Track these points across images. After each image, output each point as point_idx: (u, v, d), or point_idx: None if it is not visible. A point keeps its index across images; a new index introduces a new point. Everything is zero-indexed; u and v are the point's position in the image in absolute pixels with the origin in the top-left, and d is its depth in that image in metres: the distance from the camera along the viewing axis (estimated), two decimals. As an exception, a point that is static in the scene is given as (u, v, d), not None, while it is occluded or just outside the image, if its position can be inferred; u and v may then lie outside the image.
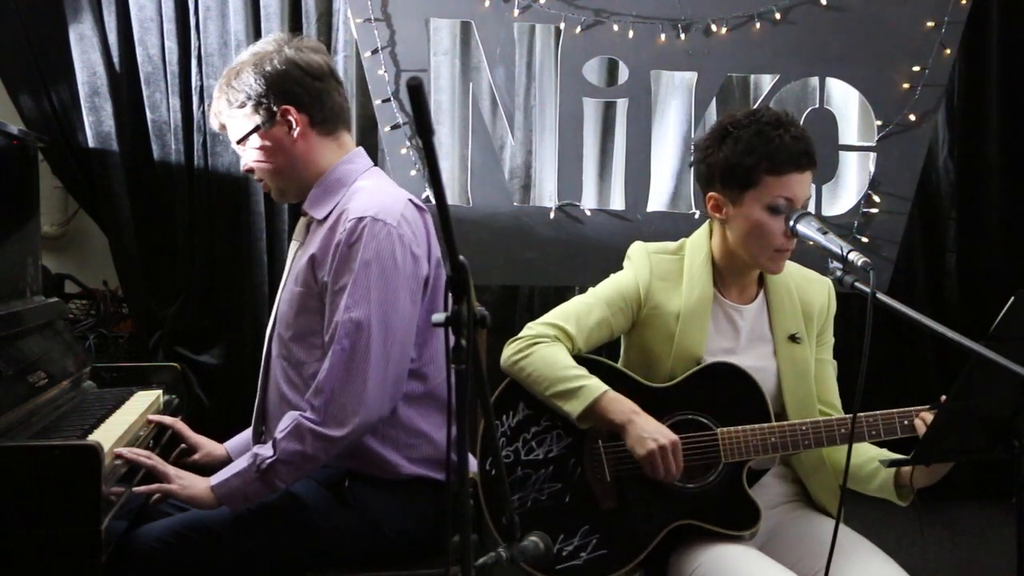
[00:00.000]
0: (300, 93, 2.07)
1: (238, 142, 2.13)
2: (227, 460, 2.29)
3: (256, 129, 2.09)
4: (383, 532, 2.06)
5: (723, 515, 2.07)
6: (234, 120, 2.11)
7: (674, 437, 2.00)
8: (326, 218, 2.09)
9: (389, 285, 1.98)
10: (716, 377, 2.09)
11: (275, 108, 2.07)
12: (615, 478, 2.10)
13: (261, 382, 2.18)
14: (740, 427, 2.06)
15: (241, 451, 2.29)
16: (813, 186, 3.10)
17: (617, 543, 2.08)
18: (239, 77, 2.08)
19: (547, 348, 2.09)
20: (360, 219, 1.99)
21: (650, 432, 2.00)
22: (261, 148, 2.10)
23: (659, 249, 2.21)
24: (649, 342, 2.15)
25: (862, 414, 2.03)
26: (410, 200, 2.10)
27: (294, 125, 2.08)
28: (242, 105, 2.08)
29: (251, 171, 2.16)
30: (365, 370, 1.95)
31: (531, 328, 2.14)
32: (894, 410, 2.02)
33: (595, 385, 2.04)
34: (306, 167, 2.12)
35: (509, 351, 2.13)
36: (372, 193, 2.07)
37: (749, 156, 2.04)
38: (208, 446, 2.32)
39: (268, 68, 2.06)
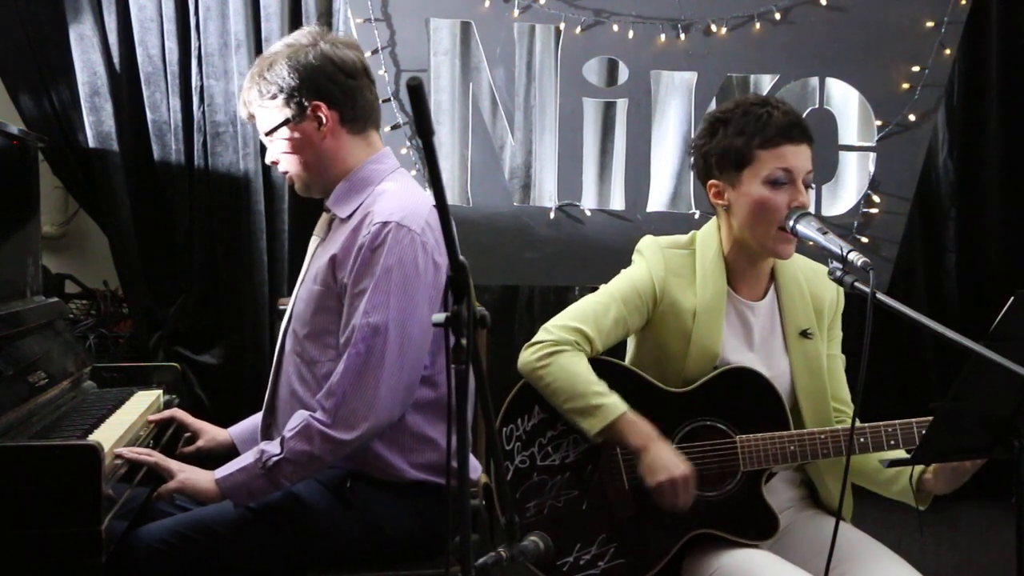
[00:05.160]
0: (333, 90, 2.06)
1: (266, 134, 2.12)
2: (231, 444, 2.30)
3: (286, 122, 2.07)
4: (384, 533, 2.06)
5: (741, 524, 2.05)
6: (264, 111, 2.10)
7: (686, 470, 1.98)
8: (349, 217, 2.08)
9: (409, 292, 1.97)
10: (735, 382, 2.08)
11: (306, 103, 2.05)
12: (633, 486, 2.08)
13: (272, 376, 2.17)
14: (759, 435, 2.04)
15: (245, 437, 2.29)
16: (813, 186, 3.14)
17: (635, 552, 2.07)
18: (272, 68, 2.06)
19: (568, 358, 2.05)
20: (385, 223, 1.98)
21: (664, 462, 1.98)
22: (289, 141, 2.09)
23: (671, 244, 2.18)
24: (664, 340, 2.13)
25: (880, 423, 2.03)
26: (435, 205, 2.08)
27: (324, 121, 2.07)
28: (273, 97, 2.07)
29: (276, 163, 2.15)
30: (379, 376, 1.95)
31: (549, 332, 2.10)
32: (912, 419, 2.01)
33: (615, 405, 2.01)
34: (333, 164, 2.11)
35: (528, 356, 2.09)
36: (398, 197, 2.06)
37: (740, 136, 2.05)
38: (211, 431, 2.33)
39: (303, 61, 2.05)
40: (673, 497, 1.99)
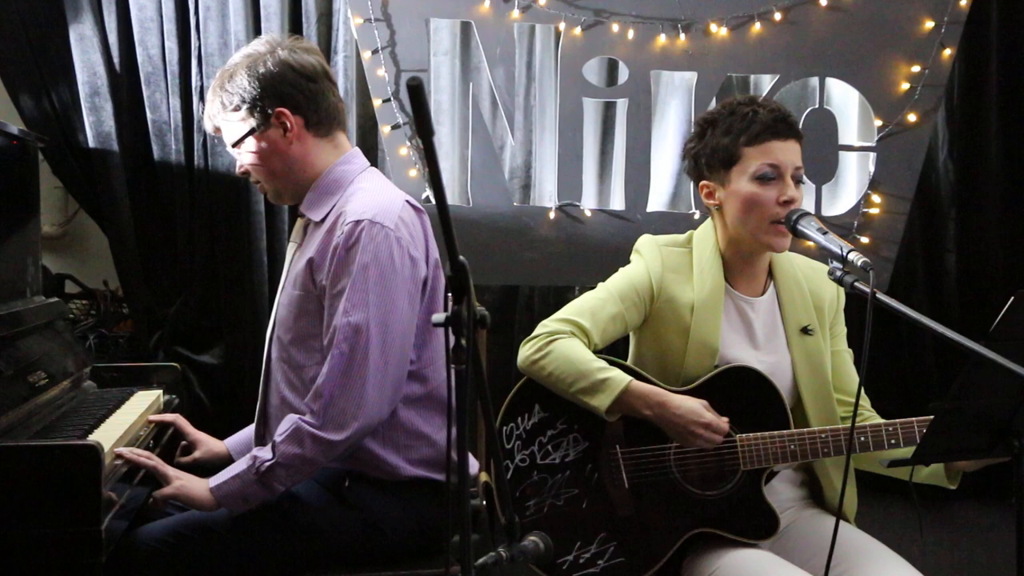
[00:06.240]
0: (294, 95, 2.07)
1: (233, 145, 2.12)
2: (227, 457, 2.29)
3: (251, 132, 2.08)
4: (383, 532, 2.06)
5: (741, 524, 2.06)
6: (229, 123, 2.10)
7: (703, 416, 1.99)
8: (323, 220, 2.08)
9: (387, 288, 1.97)
10: (736, 381, 2.08)
11: (270, 111, 2.06)
12: (633, 485, 2.09)
13: (262, 385, 2.18)
14: (760, 434, 2.05)
15: (241, 448, 2.29)
16: (813, 186, 3.14)
17: (634, 551, 2.07)
18: (233, 80, 2.07)
19: (565, 344, 2.06)
20: (358, 222, 1.98)
21: (684, 419, 2.00)
22: (256, 151, 2.09)
23: (669, 242, 2.20)
24: (663, 336, 2.14)
25: (882, 421, 2.05)
26: (407, 201, 2.10)
27: (289, 127, 2.07)
28: (236, 108, 2.07)
29: (247, 173, 2.15)
30: (364, 374, 1.95)
31: (545, 326, 2.11)
32: (913, 419, 2.02)
33: (619, 377, 2.02)
34: (302, 169, 2.11)
35: (526, 351, 2.10)
36: (369, 195, 2.06)
37: (727, 136, 2.08)
38: (208, 443, 2.33)
39: (262, 70, 2.05)
40: (715, 436, 2.00)
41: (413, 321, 2.03)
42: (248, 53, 2.10)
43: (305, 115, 2.08)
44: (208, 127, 2.18)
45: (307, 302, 2.06)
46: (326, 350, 1.99)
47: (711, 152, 2.10)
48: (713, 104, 3.10)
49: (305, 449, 1.95)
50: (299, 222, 2.21)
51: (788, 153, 2.06)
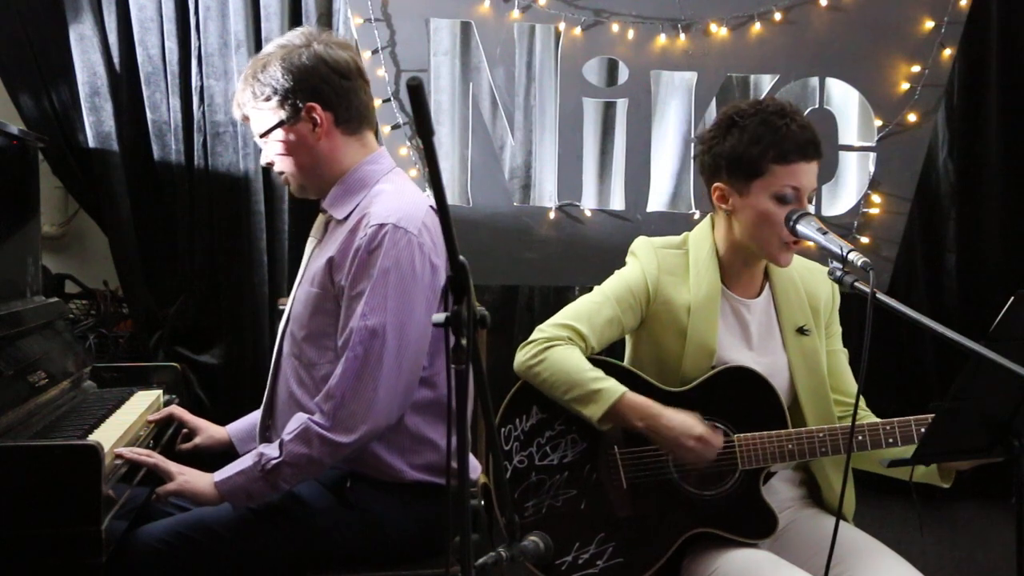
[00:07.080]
0: (327, 91, 2.05)
1: (261, 136, 2.11)
2: (228, 443, 2.29)
3: (280, 124, 2.06)
4: (384, 533, 2.06)
5: (740, 523, 2.06)
6: (258, 113, 2.09)
7: (694, 429, 1.99)
8: (346, 219, 2.07)
9: (406, 294, 1.97)
10: (732, 381, 2.08)
11: (300, 104, 2.04)
12: (631, 485, 2.09)
13: (270, 378, 2.17)
14: (757, 434, 2.05)
15: (243, 436, 2.29)
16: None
17: (633, 551, 2.07)
18: (266, 70, 2.05)
19: (561, 351, 2.06)
20: (381, 225, 1.97)
21: (677, 432, 2.00)
22: (284, 143, 2.08)
23: (664, 244, 2.19)
24: (660, 338, 2.14)
25: (879, 420, 2.05)
26: (432, 206, 2.09)
27: (319, 123, 2.06)
28: (267, 99, 2.06)
29: (272, 164, 2.15)
30: (377, 378, 1.94)
31: (543, 331, 2.11)
32: (910, 417, 2.02)
33: (613, 387, 2.02)
34: (328, 165, 2.10)
35: (523, 356, 2.10)
36: (394, 198, 2.05)
37: (756, 145, 2.03)
38: (209, 429, 2.32)
39: (296, 63, 2.04)
40: (701, 457, 2.00)
41: (429, 328, 2.02)
42: (283, 44, 2.09)
43: (336, 111, 2.07)
44: (236, 115, 2.16)
45: (324, 300, 2.05)
46: (340, 351, 1.98)
47: (735, 157, 2.06)
48: (713, 104, 3.10)
49: (312, 449, 1.95)
50: (320, 218, 2.20)
51: (811, 176, 2.05)
